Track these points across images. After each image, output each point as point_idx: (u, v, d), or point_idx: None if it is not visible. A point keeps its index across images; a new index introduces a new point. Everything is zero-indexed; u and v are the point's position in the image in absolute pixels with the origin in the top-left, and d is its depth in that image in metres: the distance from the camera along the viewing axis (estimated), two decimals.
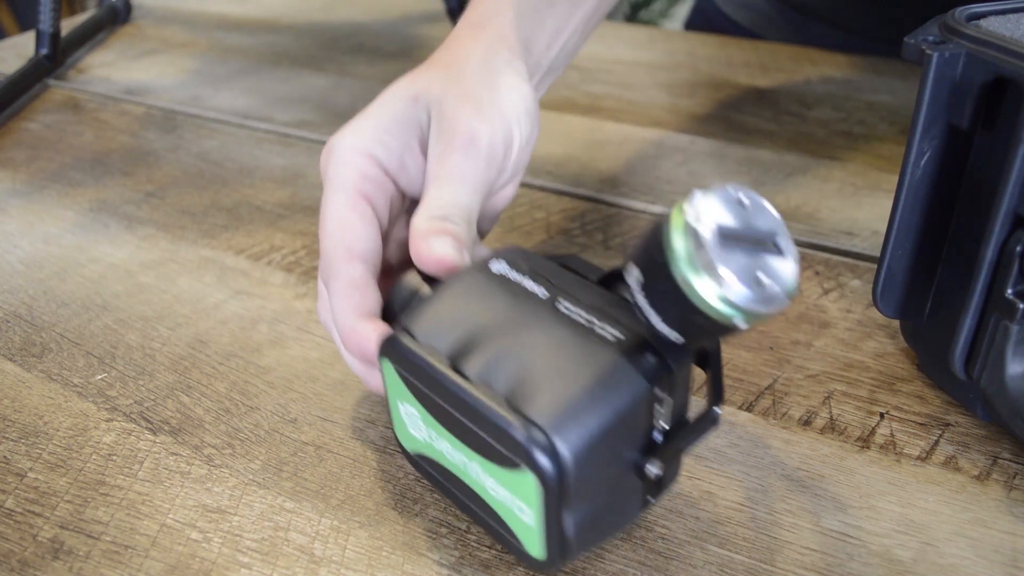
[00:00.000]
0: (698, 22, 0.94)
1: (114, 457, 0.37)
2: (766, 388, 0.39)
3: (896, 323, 0.43)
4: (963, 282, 0.34)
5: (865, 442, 0.36)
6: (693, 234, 0.23)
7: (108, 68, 0.81)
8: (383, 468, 0.36)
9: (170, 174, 0.61)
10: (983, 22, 0.33)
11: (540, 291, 0.29)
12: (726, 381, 0.40)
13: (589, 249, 0.50)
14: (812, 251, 0.50)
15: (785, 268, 0.23)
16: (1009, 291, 0.32)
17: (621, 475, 0.28)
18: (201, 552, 0.32)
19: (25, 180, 0.60)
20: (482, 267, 0.30)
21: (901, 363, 0.41)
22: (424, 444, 0.31)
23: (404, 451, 0.32)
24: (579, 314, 0.28)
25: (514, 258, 0.31)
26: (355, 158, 0.35)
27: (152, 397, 0.40)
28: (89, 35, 0.86)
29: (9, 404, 0.40)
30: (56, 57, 0.77)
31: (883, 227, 0.37)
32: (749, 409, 0.38)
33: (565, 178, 0.59)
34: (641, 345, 0.27)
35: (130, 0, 0.94)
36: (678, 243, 0.23)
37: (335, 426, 0.38)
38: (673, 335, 0.25)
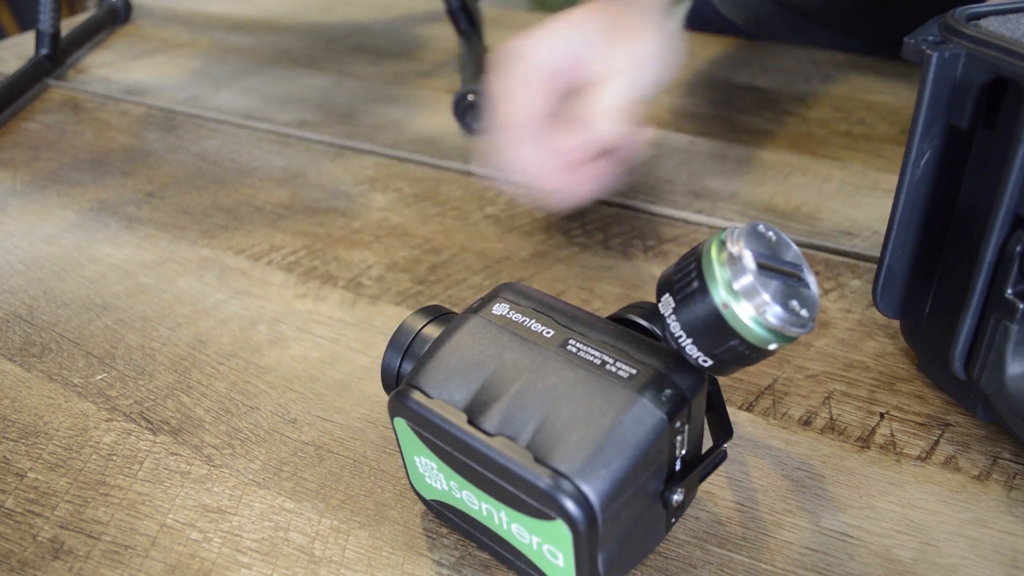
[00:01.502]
0: (695, 24, 0.94)
1: (114, 457, 0.37)
2: (766, 388, 0.39)
3: (896, 323, 0.43)
4: (963, 282, 0.34)
5: (865, 442, 0.36)
6: (735, 263, 0.25)
7: (108, 68, 0.81)
8: (383, 468, 0.36)
9: (170, 174, 0.61)
10: (983, 22, 0.33)
11: (547, 331, 0.29)
12: (726, 381, 0.40)
13: (589, 249, 0.50)
14: (812, 251, 0.50)
15: (811, 296, 0.26)
16: (1009, 291, 0.32)
17: (647, 506, 0.28)
18: (201, 552, 0.32)
19: (25, 180, 0.60)
20: (484, 311, 0.30)
21: (901, 363, 0.41)
22: (443, 493, 0.30)
23: (421, 498, 0.32)
24: (590, 353, 0.28)
25: (514, 297, 0.30)
26: (548, 44, 0.45)
27: (152, 397, 0.40)
28: (89, 35, 0.86)
29: (9, 404, 0.40)
30: (56, 57, 0.77)
31: (883, 227, 0.37)
32: (749, 409, 0.38)
33: None
34: (656, 379, 0.27)
35: (130, 0, 0.94)
36: (720, 271, 0.25)
37: (335, 426, 0.38)
38: (703, 360, 0.26)
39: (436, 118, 0.69)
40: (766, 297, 0.25)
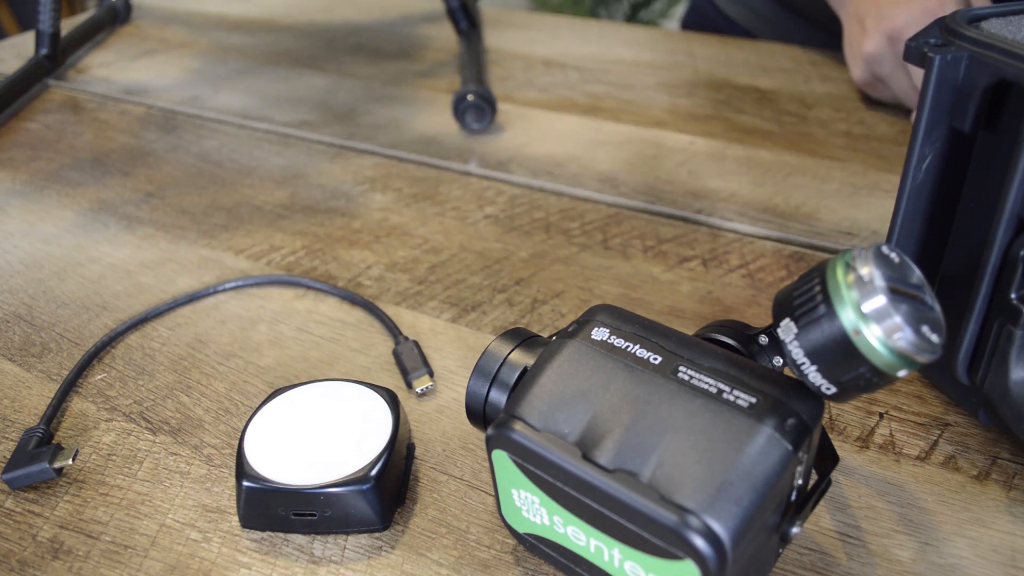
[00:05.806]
0: (694, 21, 0.94)
1: (114, 457, 0.37)
2: None
3: None
4: (966, 287, 0.33)
5: (864, 442, 0.36)
6: (863, 285, 0.24)
7: (108, 68, 0.81)
8: None
9: (170, 174, 0.61)
10: (984, 24, 0.33)
11: (653, 358, 0.28)
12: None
13: (588, 249, 0.50)
14: (812, 251, 0.50)
15: (938, 320, 0.25)
16: (1013, 296, 0.32)
17: (764, 540, 0.27)
18: (201, 552, 0.32)
19: (25, 180, 0.60)
20: (581, 336, 0.29)
21: None
22: (542, 527, 0.29)
23: (513, 532, 0.30)
24: (703, 380, 0.27)
25: (612, 321, 0.29)
26: None
27: (152, 397, 0.40)
28: (89, 35, 0.86)
29: (9, 404, 0.40)
30: (56, 57, 0.77)
31: (883, 227, 0.37)
32: None
33: (565, 178, 0.59)
34: (777, 408, 0.26)
35: (130, 0, 0.94)
36: (848, 293, 0.24)
37: None
38: (827, 388, 0.25)
39: (436, 118, 0.69)
40: (898, 320, 0.24)
